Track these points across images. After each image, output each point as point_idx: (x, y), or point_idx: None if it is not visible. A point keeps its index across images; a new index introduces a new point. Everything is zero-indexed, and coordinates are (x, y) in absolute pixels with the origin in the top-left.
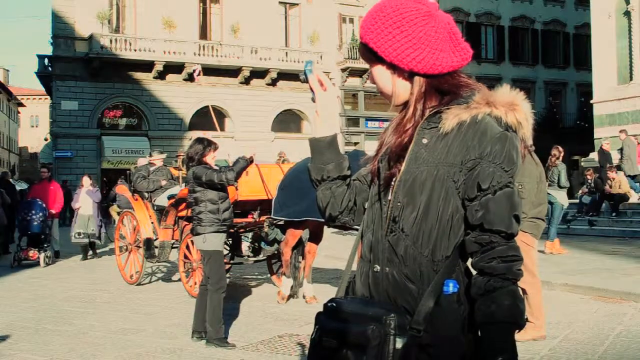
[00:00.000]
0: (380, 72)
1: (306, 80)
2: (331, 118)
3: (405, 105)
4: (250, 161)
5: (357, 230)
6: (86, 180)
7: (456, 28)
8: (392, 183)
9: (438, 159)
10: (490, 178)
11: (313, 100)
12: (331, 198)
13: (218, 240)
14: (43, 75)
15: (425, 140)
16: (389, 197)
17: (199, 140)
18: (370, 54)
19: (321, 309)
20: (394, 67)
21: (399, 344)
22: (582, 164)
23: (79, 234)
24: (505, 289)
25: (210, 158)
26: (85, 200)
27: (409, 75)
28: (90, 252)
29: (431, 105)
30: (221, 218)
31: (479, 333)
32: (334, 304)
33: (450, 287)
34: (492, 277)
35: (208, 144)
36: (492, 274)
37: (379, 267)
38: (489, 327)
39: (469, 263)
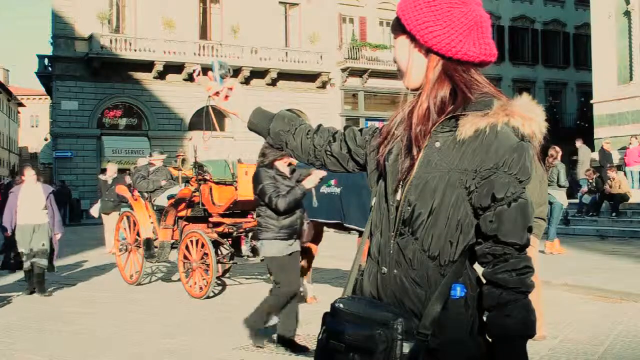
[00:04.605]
0: (401, 43)
1: (218, 79)
2: (243, 107)
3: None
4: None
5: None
6: (29, 173)
7: (488, 25)
8: (401, 184)
9: (451, 164)
10: (505, 188)
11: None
12: (308, 141)
13: (275, 247)
14: (43, 75)
15: (438, 144)
16: (398, 198)
17: None
18: (398, 24)
19: (321, 309)
20: (412, 39)
21: (407, 349)
22: None
23: (20, 255)
24: (519, 302)
25: (283, 163)
26: (29, 202)
27: (426, 52)
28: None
29: (439, 97)
30: (279, 225)
31: (492, 346)
32: (341, 305)
33: (458, 291)
34: (505, 290)
35: None
36: (505, 287)
37: (386, 270)
38: (503, 341)
39: (478, 269)
